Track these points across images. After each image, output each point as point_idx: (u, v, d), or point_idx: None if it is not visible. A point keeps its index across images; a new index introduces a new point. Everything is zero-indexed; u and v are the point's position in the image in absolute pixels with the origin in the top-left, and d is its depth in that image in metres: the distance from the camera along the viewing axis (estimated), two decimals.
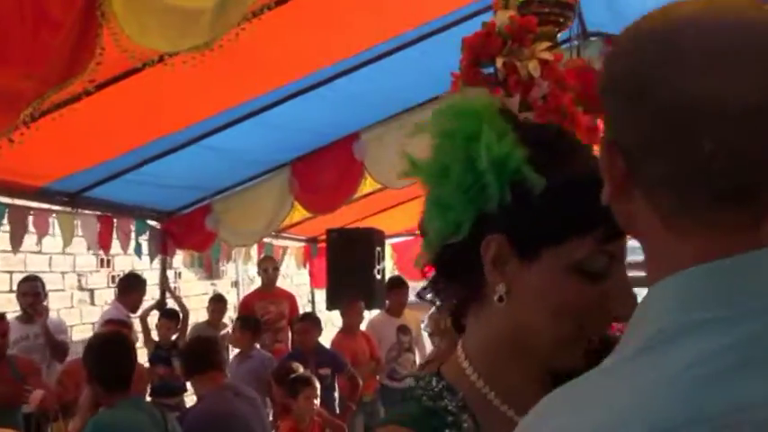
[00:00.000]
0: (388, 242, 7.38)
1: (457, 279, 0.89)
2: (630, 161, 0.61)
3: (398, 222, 7.12)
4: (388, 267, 7.38)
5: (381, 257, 6.79)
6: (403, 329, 5.96)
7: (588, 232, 0.81)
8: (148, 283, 5.71)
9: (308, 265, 8.11)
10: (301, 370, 4.32)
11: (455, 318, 0.94)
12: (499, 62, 1.88)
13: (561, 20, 2.01)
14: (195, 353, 3.69)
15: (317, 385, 4.18)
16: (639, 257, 0.66)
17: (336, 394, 5.41)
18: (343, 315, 5.89)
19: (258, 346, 5.45)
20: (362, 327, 5.96)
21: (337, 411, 5.23)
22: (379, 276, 6.64)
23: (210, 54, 2.53)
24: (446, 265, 0.89)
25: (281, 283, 6.70)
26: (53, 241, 5.09)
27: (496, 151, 0.83)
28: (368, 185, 5.22)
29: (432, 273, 0.92)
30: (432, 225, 0.87)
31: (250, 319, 5.62)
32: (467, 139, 0.85)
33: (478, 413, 0.84)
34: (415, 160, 0.90)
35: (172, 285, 6.55)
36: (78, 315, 6.33)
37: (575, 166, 0.84)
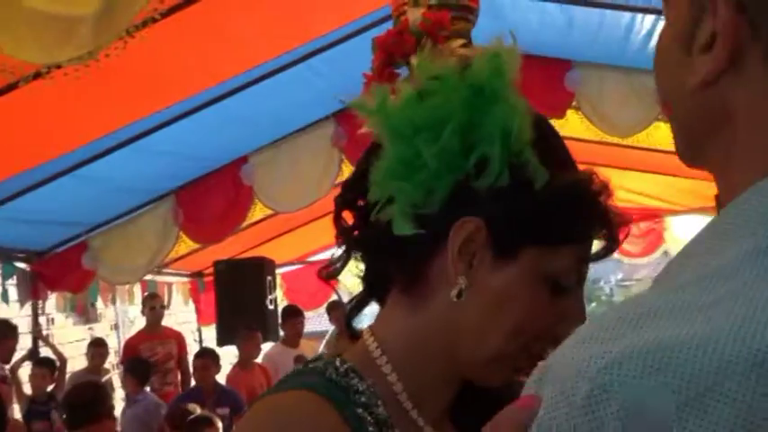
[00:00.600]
0: (278, 271, 7.17)
1: (395, 258, 0.75)
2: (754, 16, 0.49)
3: (289, 250, 6.94)
4: (279, 297, 7.16)
5: (273, 287, 6.57)
6: (300, 360, 5.76)
7: (576, 243, 0.73)
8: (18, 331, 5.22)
9: (194, 301, 7.74)
10: (199, 410, 4.05)
11: (354, 310, 0.83)
12: (414, 61, 1.81)
13: (470, 17, 1.96)
14: (79, 402, 3.38)
15: (219, 425, 3.93)
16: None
17: None
18: (239, 347, 5.62)
19: (148, 389, 5.12)
20: (258, 359, 5.72)
21: None
22: (271, 307, 6.41)
23: (87, 73, 2.33)
24: (386, 239, 0.74)
25: (165, 321, 6.34)
26: None
27: (517, 122, 0.72)
28: (257, 212, 5.03)
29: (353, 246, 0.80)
30: (395, 186, 0.73)
31: (137, 361, 5.27)
32: (487, 97, 0.73)
33: (385, 408, 0.73)
34: (383, 105, 0.75)
35: (45, 332, 6.04)
36: None
37: (576, 170, 0.76)
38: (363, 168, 0.78)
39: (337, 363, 0.74)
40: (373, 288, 0.81)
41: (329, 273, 0.82)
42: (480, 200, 0.71)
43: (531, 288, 0.72)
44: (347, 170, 4.36)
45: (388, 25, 2.07)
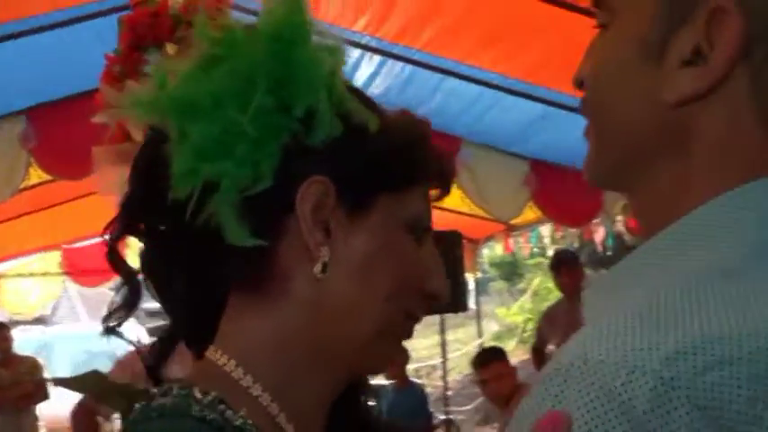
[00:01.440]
0: None
1: (230, 260, 0.62)
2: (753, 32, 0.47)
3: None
4: None
5: None
6: None
7: (420, 184, 0.69)
8: None
9: None
10: None
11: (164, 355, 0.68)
12: (170, 48, 1.60)
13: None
14: None
15: None
16: None
17: None
18: None
19: None
20: None
21: None
22: None
23: None
24: (211, 242, 0.61)
25: None
26: None
27: (330, 64, 0.64)
28: None
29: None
30: (214, 169, 0.60)
31: None
32: (289, 41, 0.62)
33: None
34: (163, 84, 0.64)
35: None
36: None
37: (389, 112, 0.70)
38: (146, 177, 0.65)
39: (197, 394, 0.57)
40: (194, 316, 0.67)
41: (110, 329, 0.67)
42: (318, 157, 0.63)
43: (396, 239, 0.66)
44: (35, 175, 3.86)
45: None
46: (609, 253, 6.38)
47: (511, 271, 14.07)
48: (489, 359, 3.82)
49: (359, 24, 3.44)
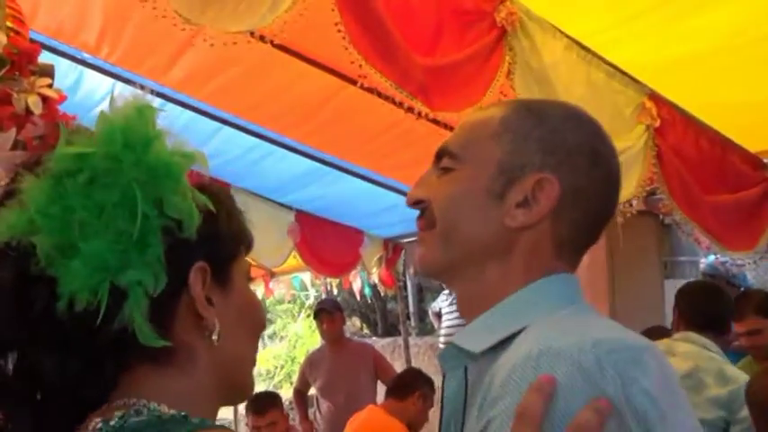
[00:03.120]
0: None
1: (134, 346, 0.71)
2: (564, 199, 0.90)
3: None
4: None
5: None
6: None
7: (245, 243, 0.86)
8: None
9: None
10: None
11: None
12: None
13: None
14: None
15: None
16: None
17: None
18: None
19: None
20: None
21: None
22: None
23: None
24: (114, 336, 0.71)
25: None
26: None
27: (184, 166, 0.78)
28: None
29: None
30: (127, 279, 0.70)
31: None
32: (143, 148, 0.74)
33: None
34: (38, 206, 0.70)
35: None
36: None
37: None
38: (17, 295, 0.71)
39: (165, 410, 0.68)
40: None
41: None
42: (193, 246, 0.75)
43: (247, 291, 0.84)
44: None
45: None
46: (368, 301, 6.87)
47: None
48: (266, 406, 3.74)
49: (143, 68, 3.45)
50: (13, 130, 1.50)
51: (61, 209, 0.69)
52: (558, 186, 0.89)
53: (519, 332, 0.84)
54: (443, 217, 0.91)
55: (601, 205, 0.93)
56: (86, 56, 3.46)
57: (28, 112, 1.55)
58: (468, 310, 0.93)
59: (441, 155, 0.95)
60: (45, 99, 1.57)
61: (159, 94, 3.74)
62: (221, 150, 4.40)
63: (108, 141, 0.72)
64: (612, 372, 0.73)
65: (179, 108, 3.84)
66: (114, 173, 0.70)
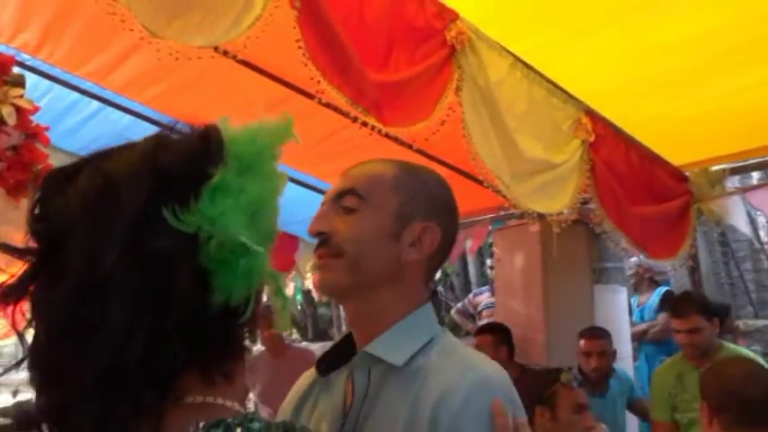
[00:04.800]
0: None
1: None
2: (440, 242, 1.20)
3: None
4: None
5: None
6: None
7: None
8: None
9: None
10: None
11: None
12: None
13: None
14: None
15: None
16: None
17: None
18: None
19: None
20: None
21: None
22: None
23: None
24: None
25: None
26: None
27: None
28: None
29: None
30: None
31: None
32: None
33: None
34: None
35: None
36: None
37: None
38: None
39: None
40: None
41: None
42: None
43: None
44: None
45: None
46: (299, 307, 6.80)
47: None
48: None
49: (84, 70, 3.40)
50: None
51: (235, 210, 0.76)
52: (439, 232, 1.18)
53: (425, 346, 1.12)
54: (352, 250, 1.13)
55: (452, 244, 1.24)
56: (24, 56, 3.38)
57: (1, 122, 1.55)
58: (361, 325, 1.19)
59: (345, 194, 1.17)
60: (18, 109, 1.57)
61: (98, 97, 3.70)
62: None
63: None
64: (513, 396, 1.09)
65: (119, 112, 3.81)
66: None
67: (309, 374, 1.27)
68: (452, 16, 2.54)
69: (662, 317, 5.13)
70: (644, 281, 5.52)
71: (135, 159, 0.77)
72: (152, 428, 0.71)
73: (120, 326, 0.69)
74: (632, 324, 5.41)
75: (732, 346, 3.58)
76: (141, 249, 0.72)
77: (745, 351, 3.42)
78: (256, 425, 0.74)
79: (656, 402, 3.57)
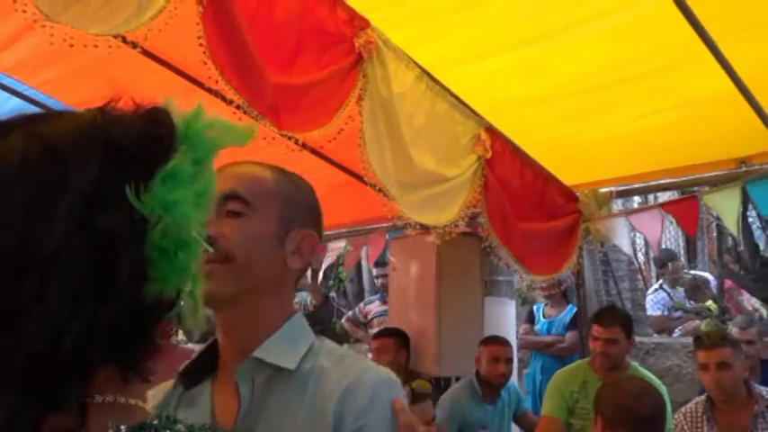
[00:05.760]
0: None
1: None
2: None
3: None
4: None
5: None
6: None
7: None
8: None
9: None
10: None
11: None
12: None
13: None
14: None
15: None
16: None
17: None
18: None
19: None
20: None
21: None
22: None
23: None
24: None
25: None
26: None
27: None
28: None
29: None
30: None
31: None
32: None
33: None
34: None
35: None
36: None
37: None
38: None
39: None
40: None
41: None
42: None
43: None
44: None
45: None
46: None
47: None
48: None
49: None
50: None
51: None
52: (317, 240, 1.20)
53: (308, 351, 1.14)
54: (241, 254, 1.11)
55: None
56: None
57: None
58: (237, 333, 1.15)
59: (229, 198, 1.13)
60: None
61: None
62: None
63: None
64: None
65: (6, 94, 3.61)
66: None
67: (164, 387, 1.20)
68: (363, 24, 2.55)
69: (570, 335, 5.21)
70: (556, 293, 5.58)
71: (82, 128, 0.69)
72: (65, 427, 0.65)
73: (58, 311, 0.62)
74: (535, 333, 5.57)
75: (640, 367, 3.71)
76: (90, 228, 0.64)
77: (649, 374, 3.54)
78: (180, 427, 0.71)
79: (553, 400, 3.62)
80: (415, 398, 2.76)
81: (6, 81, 3.50)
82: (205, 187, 0.72)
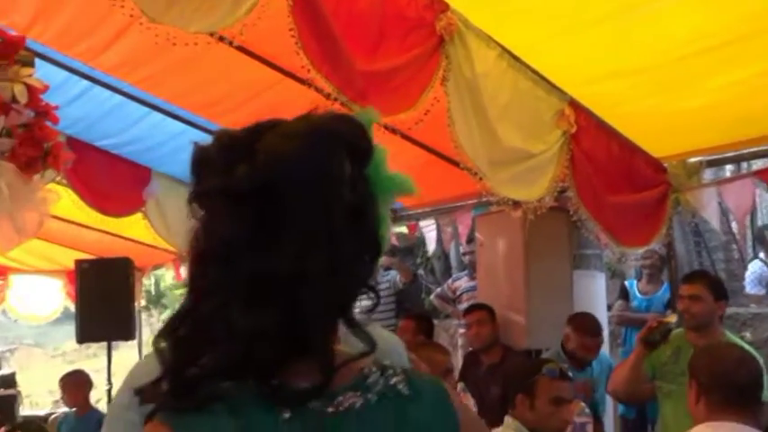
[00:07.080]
0: None
1: None
2: None
3: None
4: None
5: None
6: None
7: None
8: None
9: None
10: None
11: None
12: None
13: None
14: None
15: None
16: None
17: None
18: None
19: None
20: None
21: None
22: None
23: None
24: None
25: None
26: None
27: None
28: None
29: None
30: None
31: None
32: None
33: None
34: None
35: None
36: None
37: None
38: None
39: None
40: None
41: None
42: None
43: None
44: None
45: None
46: None
47: (156, 301, 13.77)
48: None
49: (75, 50, 3.42)
50: (2, 118, 1.55)
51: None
52: None
53: None
54: None
55: None
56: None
57: (13, 100, 1.59)
58: None
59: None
60: (29, 88, 1.62)
61: (87, 77, 3.72)
62: (145, 136, 4.40)
63: None
64: None
65: (108, 92, 3.83)
66: None
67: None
68: (443, 7, 2.60)
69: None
70: (656, 264, 5.44)
71: (322, 127, 0.85)
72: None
73: (350, 273, 0.83)
74: (632, 310, 5.48)
75: (734, 337, 3.56)
76: (352, 205, 0.82)
77: (744, 344, 3.40)
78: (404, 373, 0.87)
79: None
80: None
81: (107, 80, 3.72)
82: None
